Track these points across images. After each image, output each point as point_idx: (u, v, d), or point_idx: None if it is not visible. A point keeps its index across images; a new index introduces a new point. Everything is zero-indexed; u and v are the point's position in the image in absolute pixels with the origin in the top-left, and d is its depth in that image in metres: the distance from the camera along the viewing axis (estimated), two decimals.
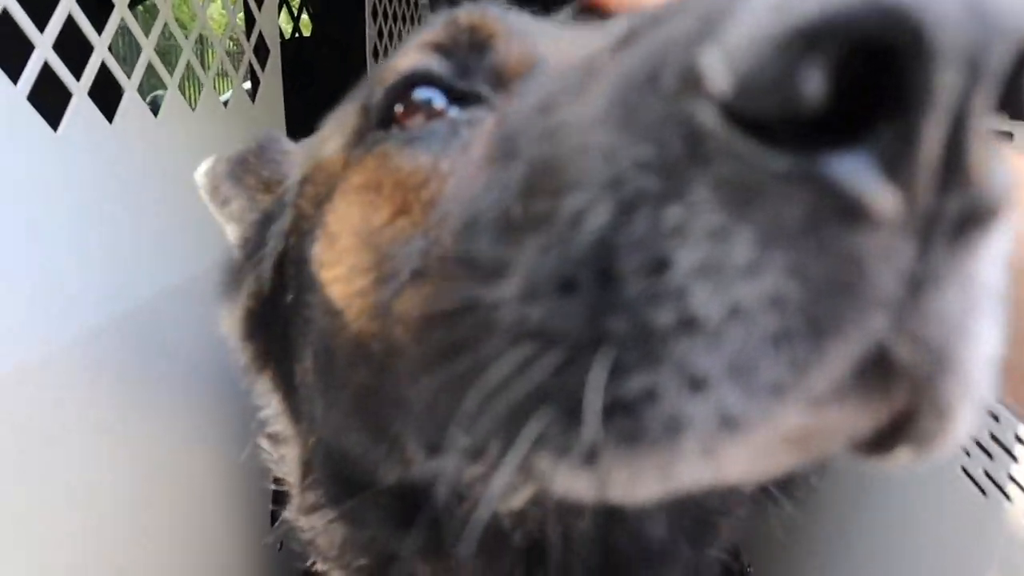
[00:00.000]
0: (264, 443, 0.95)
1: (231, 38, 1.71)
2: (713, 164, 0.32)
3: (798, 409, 0.34)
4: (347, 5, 2.51)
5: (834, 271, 0.31)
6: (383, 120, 0.65)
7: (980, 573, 1.04)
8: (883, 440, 0.38)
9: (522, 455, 0.39)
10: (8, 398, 0.98)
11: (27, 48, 1.06)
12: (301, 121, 2.06)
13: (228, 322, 0.88)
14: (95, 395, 1.19)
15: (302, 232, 0.75)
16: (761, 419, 0.33)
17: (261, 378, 0.87)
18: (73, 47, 1.17)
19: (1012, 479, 0.98)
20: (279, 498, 0.93)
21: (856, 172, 0.29)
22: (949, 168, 0.30)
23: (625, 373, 0.34)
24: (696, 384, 0.33)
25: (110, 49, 1.25)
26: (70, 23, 1.16)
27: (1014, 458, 0.99)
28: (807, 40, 0.28)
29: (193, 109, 1.52)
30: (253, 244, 0.86)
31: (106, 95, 1.25)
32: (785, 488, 0.76)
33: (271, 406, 0.89)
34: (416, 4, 3.23)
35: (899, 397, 0.36)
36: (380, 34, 2.72)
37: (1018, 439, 0.99)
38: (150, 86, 3.19)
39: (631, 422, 0.35)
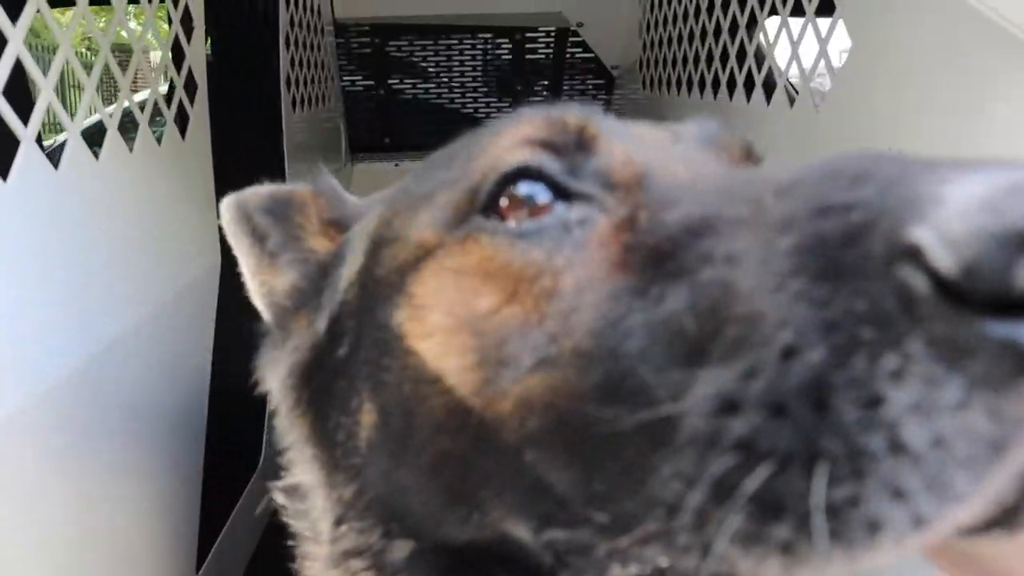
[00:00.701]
0: (279, 496, 0.94)
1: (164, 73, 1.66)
2: (927, 323, 0.40)
3: (968, 509, 0.42)
4: (253, 31, 2.45)
5: (1018, 410, 0.40)
6: (486, 208, 0.67)
7: None
8: (984, 526, 0.48)
9: (714, 543, 0.46)
10: None
11: None
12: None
13: (271, 369, 0.88)
14: (48, 457, 1.12)
15: (375, 295, 0.76)
16: (943, 520, 0.41)
17: (295, 428, 0.86)
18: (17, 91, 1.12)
19: None
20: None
21: None
22: None
23: (833, 483, 0.42)
24: (899, 495, 0.41)
25: None
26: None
27: None
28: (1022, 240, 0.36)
29: (131, 151, 1.46)
30: (307, 294, 0.86)
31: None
32: None
33: (298, 457, 0.88)
34: (323, 31, 3.21)
35: (1013, 494, 0.44)
36: (292, 63, 2.68)
37: None
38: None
39: (834, 522, 0.42)
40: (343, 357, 0.78)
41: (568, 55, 3.94)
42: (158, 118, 1.64)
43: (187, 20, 1.80)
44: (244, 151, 2.30)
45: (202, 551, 1.93)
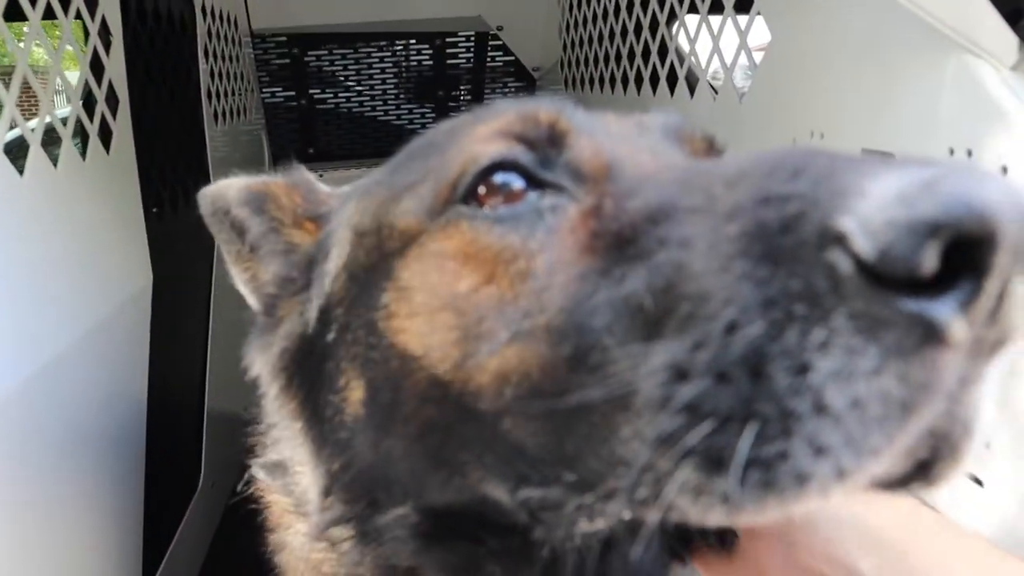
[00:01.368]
0: (260, 473, 1.00)
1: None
2: (849, 300, 0.46)
3: (884, 463, 0.49)
4: (171, 43, 2.39)
5: (924, 375, 0.47)
6: (466, 197, 0.73)
7: None
8: (903, 480, 0.55)
9: (667, 495, 0.53)
10: None
11: None
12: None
13: (260, 353, 0.92)
14: None
15: (360, 281, 0.81)
16: (862, 473, 0.48)
17: (284, 407, 0.91)
18: None
19: None
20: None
21: (947, 312, 0.45)
22: (994, 312, 0.46)
23: (765, 441, 0.48)
24: (822, 451, 0.47)
25: None
26: None
27: None
28: (932, 229, 0.43)
29: (55, 167, 1.41)
30: (295, 284, 0.91)
31: None
32: None
33: (284, 435, 0.93)
34: (241, 42, 3.15)
35: (924, 450, 0.53)
36: (212, 75, 2.63)
37: None
38: None
39: (766, 475, 0.49)
40: (331, 341, 0.83)
41: (489, 59, 3.96)
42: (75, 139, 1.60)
43: (105, 33, 1.76)
44: (168, 166, 2.25)
45: (146, 574, 1.87)
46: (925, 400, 0.47)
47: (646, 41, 2.34)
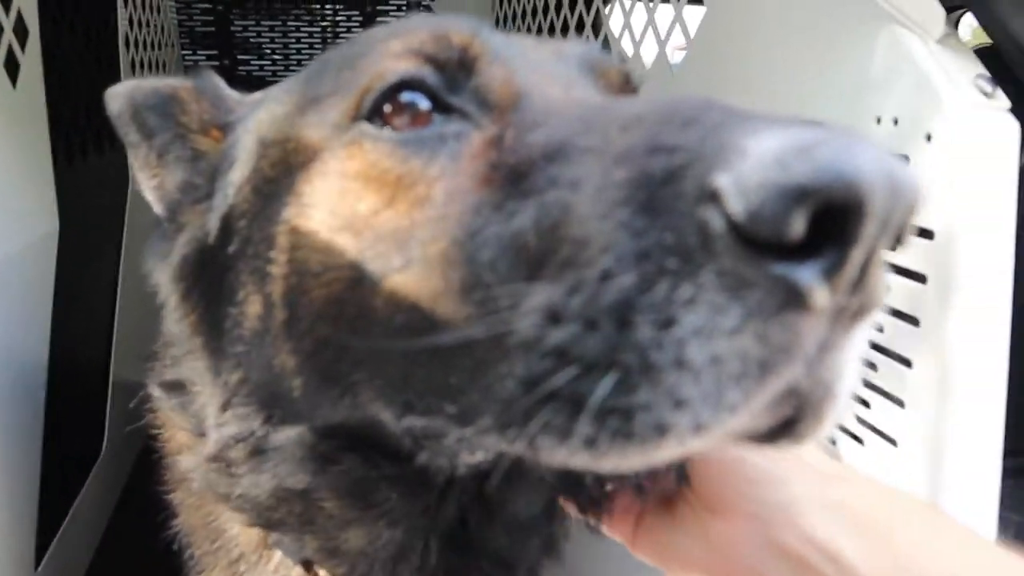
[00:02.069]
0: (156, 391, 0.99)
1: None
2: (718, 258, 0.47)
3: (742, 418, 0.50)
4: None
5: (783, 337, 0.48)
6: (372, 113, 0.73)
7: None
8: (770, 435, 0.56)
9: (532, 435, 0.54)
10: None
11: None
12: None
13: (162, 261, 0.91)
14: None
15: (263, 193, 0.80)
16: (720, 427, 0.50)
17: (184, 319, 0.90)
18: None
19: None
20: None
21: (810, 278, 0.46)
22: (858, 280, 0.47)
23: (627, 390, 0.49)
24: (680, 404, 0.49)
25: None
26: None
27: None
28: (801, 195, 0.43)
29: None
30: (199, 192, 0.89)
31: None
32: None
33: (183, 350, 0.93)
34: None
35: (788, 408, 0.54)
36: (131, 22, 2.51)
37: None
38: None
39: (626, 423, 0.50)
40: (233, 253, 0.83)
41: None
42: None
43: None
44: (81, 110, 2.13)
45: (41, 545, 1.78)
46: (784, 361, 0.49)
47: (580, 15, 2.35)
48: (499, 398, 0.57)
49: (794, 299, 0.46)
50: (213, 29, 3.74)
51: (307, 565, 0.94)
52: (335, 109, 0.75)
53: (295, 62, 3.90)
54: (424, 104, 0.72)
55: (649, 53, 1.96)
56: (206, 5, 3.65)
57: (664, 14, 1.87)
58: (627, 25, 2.05)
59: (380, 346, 0.68)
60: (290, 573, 0.96)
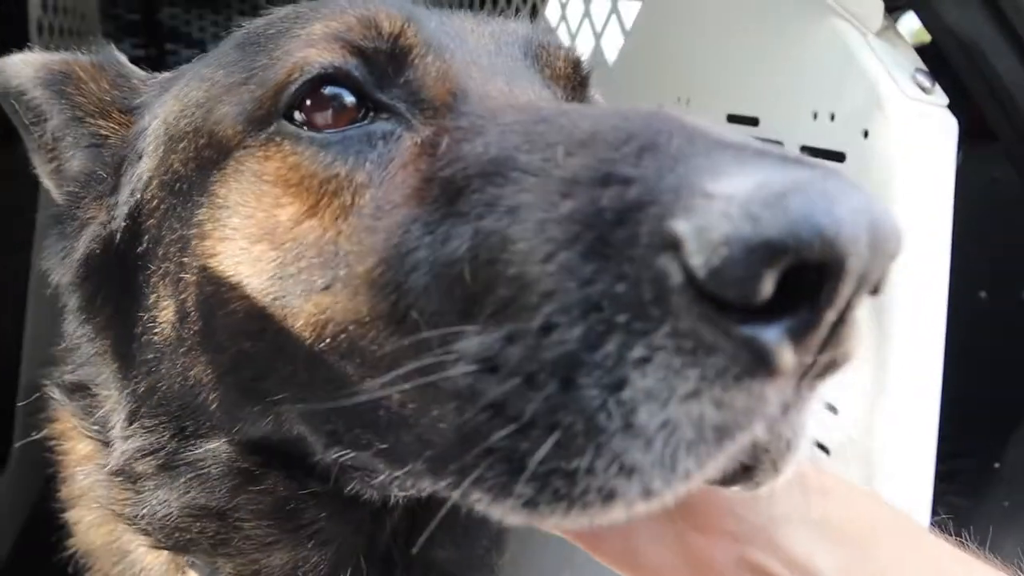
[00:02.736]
0: (55, 393, 0.92)
1: None
2: (675, 316, 0.42)
3: (695, 482, 0.46)
4: None
5: (744, 402, 0.43)
6: (289, 109, 0.66)
7: None
8: (723, 480, 0.53)
9: (466, 489, 0.49)
10: None
11: None
12: None
13: (61, 259, 0.83)
14: None
15: (175, 190, 0.73)
16: (670, 493, 0.45)
17: (88, 321, 0.83)
18: None
19: None
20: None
21: (775, 341, 0.41)
22: (830, 337, 0.43)
23: (571, 452, 0.45)
24: (628, 471, 0.44)
25: None
26: None
27: None
28: (772, 253, 0.38)
29: None
30: (104, 185, 0.81)
31: None
32: None
33: (87, 352, 0.86)
34: None
35: (744, 457, 0.50)
36: (45, 7, 2.36)
37: None
38: None
39: (570, 487, 0.45)
40: (142, 253, 0.77)
41: None
42: None
43: None
44: None
45: None
46: (744, 426, 0.45)
47: (517, 6, 2.29)
48: (431, 442, 0.52)
49: (758, 362, 0.42)
50: (138, 17, 3.60)
51: None
52: (250, 101, 0.69)
53: None
54: (349, 99, 0.66)
55: (585, 46, 1.92)
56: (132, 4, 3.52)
57: (600, 6, 1.82)
58: (563, 17, 2.00)
59: (299, 390, 0.63)
60: None
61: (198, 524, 0.79)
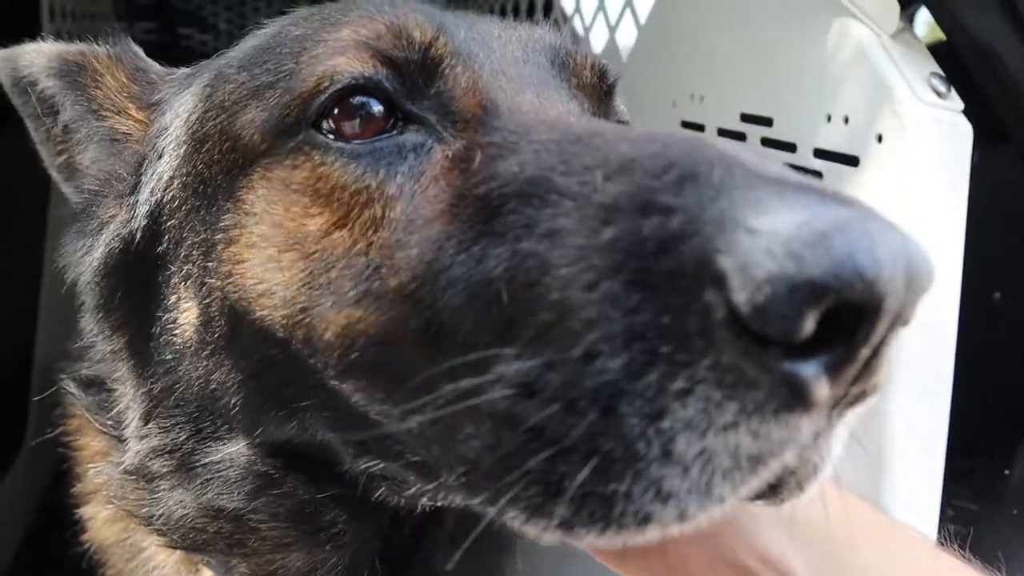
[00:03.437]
0: (71, 387, 0.92)
1: None
2: (717, 350, 0.43)
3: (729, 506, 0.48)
4: None
5: (780, 433, 0.45)
6: (318, 118, 0.65)
7: None
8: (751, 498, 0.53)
9: (502, 507, 0.50)
10: None
11: None
12: None
13: (80, 257, 0.84)
14: None
15: (198, 192, 0.73)
16: (705, 516, 0.47)
17: (106, 319, 0.83)
18: None
19: None
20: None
21: (813, 376, 0.43)
22: (863, 371, 0.44)
23: (608, 477, 0.46)
24: (665, 496, 0.46)
25: None
26: None
27: None
28: (814, 294, 0.39)
29: None
30: (124, 184, 0.81)
31: None
32: None
33: (104, 349, 0.86)
34: None
35: (772, 478, 0.50)
36: None
37: None
38: None
39: (606, 509, 0.47)
40: (162, 253, 0.77)
41: None
42: None
43: None
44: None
45: None
46: (778, 455, 0.46)
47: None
48: (465, 458, 0.52)
49: (796, 397, 0.44)
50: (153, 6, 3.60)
51: None
52: (278, 108, 0.68)
53: (240, 34, 3.78)
54: (378, 109, 0.65)
55: (600, 39, 1.91)
56: None
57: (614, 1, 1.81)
58: (577, 10, 1.99)
59: (326, 398, 0.64)
60: None
61: (214, 525, 0.80)
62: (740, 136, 1.28)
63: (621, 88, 1.65)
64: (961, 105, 0.99)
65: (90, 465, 0.99)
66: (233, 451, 0.76)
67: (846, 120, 1.05)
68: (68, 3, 2.53)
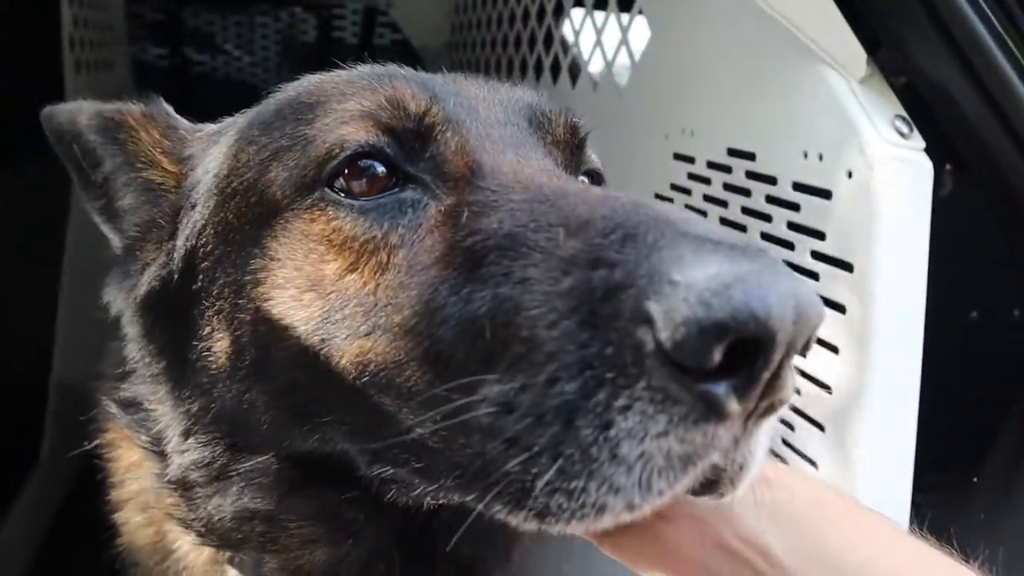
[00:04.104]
0: (112, 407, 1.02)
1: None
2: (649, 375, 0.55)
3: (668, 497, 0.60)
4: None
5: (702, 438, 0.56)
6: (331, 179, 0.77)
7: None
8: (693, 491, 0.65)
9: (488, 502, 0.62)
10: None
11: None
12: None
13: (122, 294, 0.94)
14: None
15: (228, 240, 0.84)
16: (648, 506, 0.59)
17: (146, 347, 0.94)
18: None
19: None
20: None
21: (724, 394, 0.54)
22: (767, 389, 0.55)
23: (571, 475, 0.57)
24: (615, 490, 0.57)
25: None
26: None
27: None
28: (720, 332, 0.51)
29: None
30: (162, 232, 0.92)
31: None
32: None
33: (143, 373, 0.96)
34: None
35: (709, 474, 0.62)
36: (76, 22, 2.46)
37: None
38: None
39: (570, 501, 0.58)
40: (196, 291, 0.87)
41: (377, 35, 3.89)
42: None
43: None
44: (23, 110, 2.09)
45: None
46: (703, 455, 0.58)
47: (532, 30, 2.37)
48: (459, 464, 0.64)
49: (711, 410, 0.55)
50: (163, 23, 3.68)
51: None
52: (297, 170, 0.79)
53: (251, 59, 3.88)
54: (381, 170, 0.77)
55: (597, 66, 2.00)
56: (157, 3, 3.60)
57: (611, 34, 1.90)
58: (576, 44, 2.09)
59: (343, 413, 0.76)
60: None
61: (248, 526, 0.90)
62: (727, 169, 1.38)
63: (619, 119, 1.75)
64: (923, 144, 1.08)
65: (126, 475, 1.09)
66: (263, 461, 0.86)
67: (820, 157, 1.15)
68: (87, 34, 2.63)
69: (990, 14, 1.00)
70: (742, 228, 1.34)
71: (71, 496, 2.48)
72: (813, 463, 1.18)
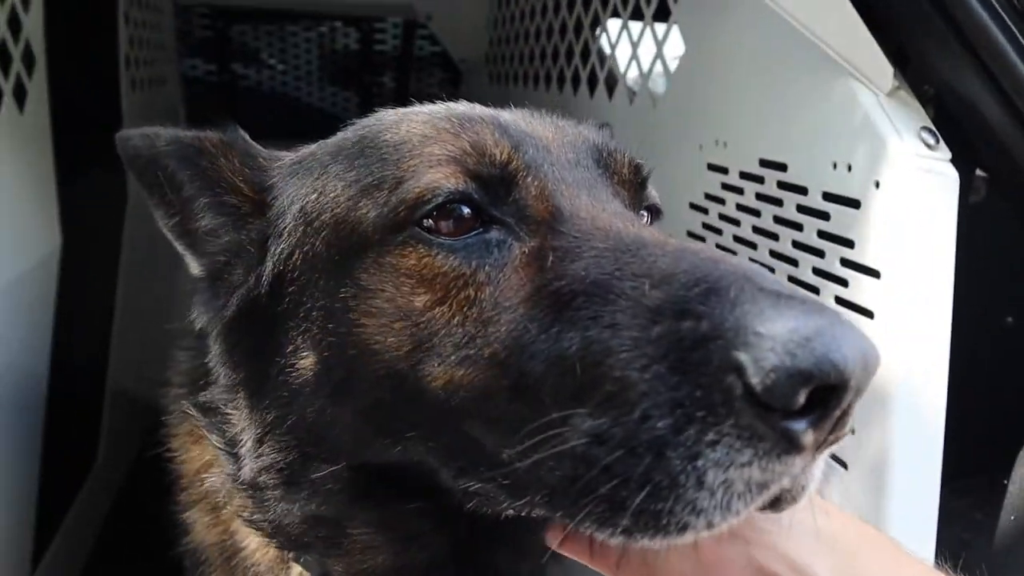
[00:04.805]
0: (192, 410, 1.08)
1: None
2: (737, 414, 0.62)
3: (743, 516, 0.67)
4: (92, 5, 2.34)
5: (779, 468, 0.64)
6: (422, 219, 0.83)
7: None
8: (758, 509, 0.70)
9: (578, 521, 0.69)
10: None
11: None
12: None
13: (209, 314, 1.00)
14: None
15: (317, 268, 0.90)
16: (726, 524, 0.66)
17: (230, 360, 0.99)
18: None
19: None
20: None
21: (803, 430, 0.62)
22: (835, 424, 0.64)
23: (658, 499, 0.64)
24: (698, 511, 0.64)
25: None
26: None
27: None
28: (805, 380, 0.59)
29: None
30: (251, 256, 0.97)
31: None
32: None
33: (223, 382, 1.02)
34: (162, 10, 3.09)
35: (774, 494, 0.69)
36: (132, 42, 2.57)
37: None
38: None
39: (656, 521, 0.65)
40: (282, 312, 0.93)
41: (417, 48, 3.97)
42: None
43: None
44: (83, 130, 2.20)
45: (39, 547, 1.84)
46: (777, 482, 0.66)
47: (570, 42, 2.42)
48: (548, 483, 0.71)
49: (792, 444, 0.63)
50: (211, 40, 3.80)
51: None
52: (389, 210, 0.84)
53: (293, 75, 3.99)
54: (467, 211, 0.83)
55: (632, 78, 2.04)
56: (204, 10, 3.72)
57: (647, 48, 1.95)
58: (612, 57, 2.13)
59: (427, 430, 0.83)
60: None
61: (314, 530, 0.96)
62: (759, 179, 1.41)
63: (654, 131, 1.78)
64: (949, 155, 1.11)
65: (196, 477, 1.16)
66: (335, 470, 0.91)
67: (849, 168, 1.18)
68: (141, 53, 2.74)
69: (1013, 27, 1.03)
70: (774, 237, 1.38)
71: (122, 492, 2.59)
72: (844, 463, 1.21)
